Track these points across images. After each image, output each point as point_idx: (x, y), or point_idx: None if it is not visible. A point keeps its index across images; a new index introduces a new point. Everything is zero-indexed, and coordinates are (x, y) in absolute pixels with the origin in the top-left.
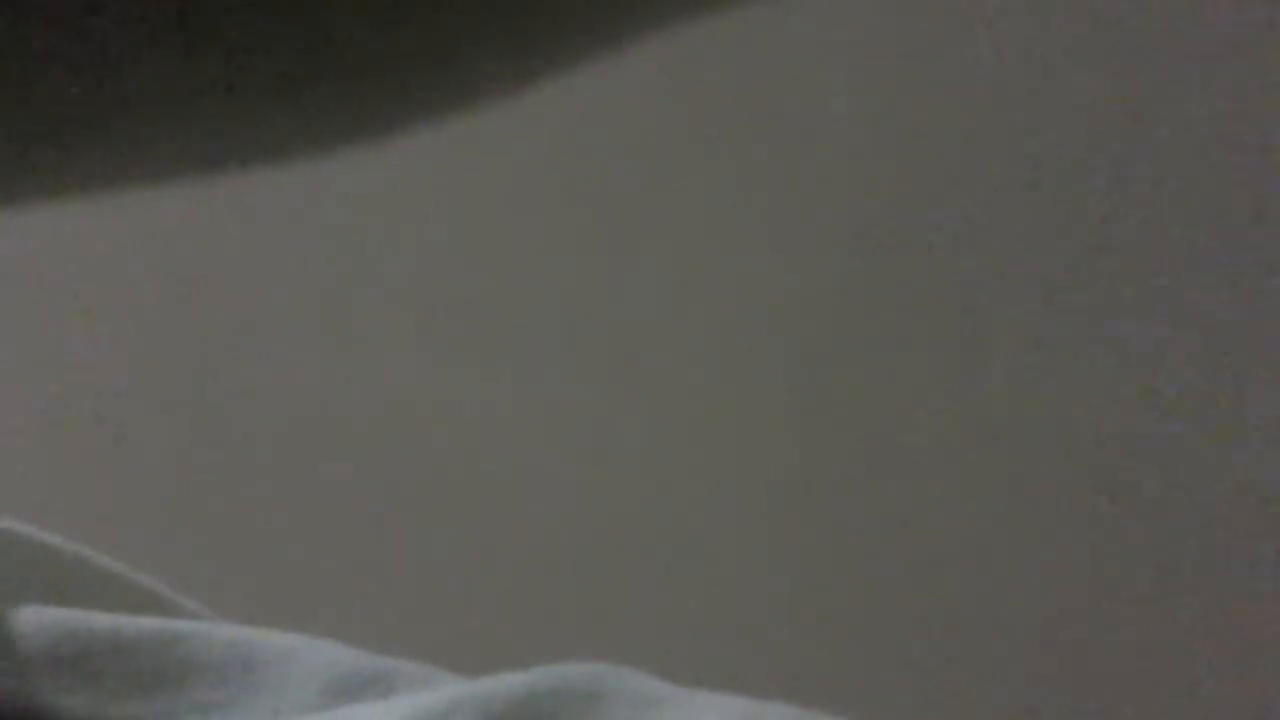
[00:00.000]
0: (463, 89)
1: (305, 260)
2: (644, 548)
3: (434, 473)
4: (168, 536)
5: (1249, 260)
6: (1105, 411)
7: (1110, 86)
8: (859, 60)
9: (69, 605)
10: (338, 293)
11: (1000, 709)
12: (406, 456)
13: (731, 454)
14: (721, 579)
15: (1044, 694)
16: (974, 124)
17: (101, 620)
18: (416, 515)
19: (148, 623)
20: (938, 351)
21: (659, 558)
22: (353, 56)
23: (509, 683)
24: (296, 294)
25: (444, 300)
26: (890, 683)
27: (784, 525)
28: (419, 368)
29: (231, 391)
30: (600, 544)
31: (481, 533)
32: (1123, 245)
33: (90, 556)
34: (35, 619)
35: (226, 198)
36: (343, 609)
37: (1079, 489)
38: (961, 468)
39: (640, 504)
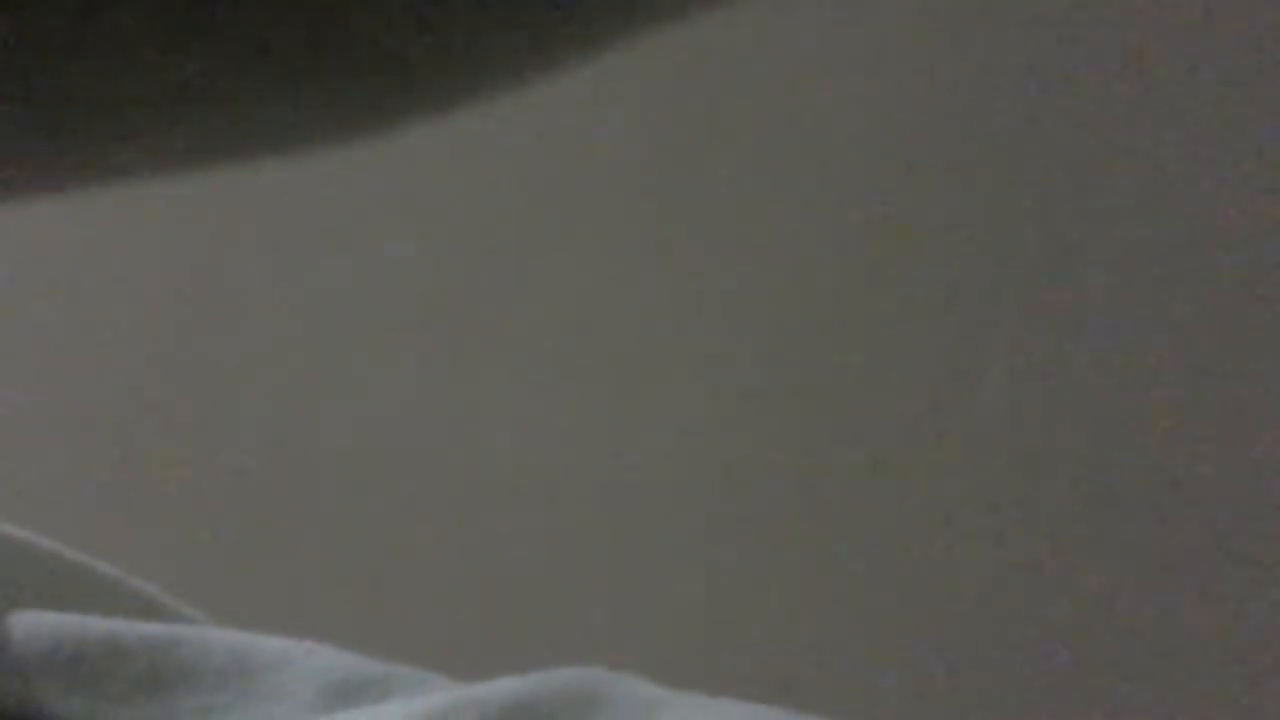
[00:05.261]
0: (468, 84)
1: (306, 260)
2: (639, 549)
3: (434, 474)
4: (166, 539)
5: (1247, 260)
6: (1102, 413)
7: (1111, 86)
8: (859, 60)
9: (66, 610)
10: (339, 293)
11: (998, 709)
12: (406, 455)
13: (727, 456)
14: (717, 580)
15: (1043, 694)
16: (972, 125)
17: (98, 625)
18: (418, 518)
19: (145, 628)
20: (934, 352)
21: (654, 559)
22: (357, 51)
23: (507, 687)
24: (297, 294)
25: (444, 300)
26: (886, 684)
27: (779, 526)
28: (420, 367)
29: (232, 391)
30: (596, 545)
31: (482, 534)
32: (1121, 245)
33: (87, 562)
34: (32, 623)
35: (227, 195)
36: (341, 612)
37: (1075, 489)
38: (957, 469)
39: (636, 506)
